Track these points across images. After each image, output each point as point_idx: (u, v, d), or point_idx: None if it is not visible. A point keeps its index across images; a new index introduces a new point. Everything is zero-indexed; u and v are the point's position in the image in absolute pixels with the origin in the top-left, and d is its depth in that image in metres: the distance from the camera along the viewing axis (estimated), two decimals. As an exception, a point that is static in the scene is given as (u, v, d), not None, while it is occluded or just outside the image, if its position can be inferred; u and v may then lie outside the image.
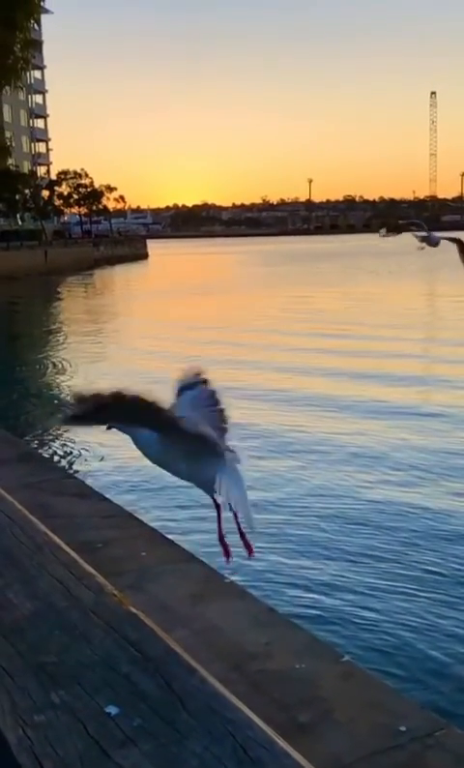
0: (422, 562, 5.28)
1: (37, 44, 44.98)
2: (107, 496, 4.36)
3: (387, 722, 2.24)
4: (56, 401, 12.46)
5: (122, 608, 1.79)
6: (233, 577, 3.49)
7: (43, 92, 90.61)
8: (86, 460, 8.18)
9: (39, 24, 44.75)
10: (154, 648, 1.61)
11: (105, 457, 8.17)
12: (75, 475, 5.30)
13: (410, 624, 4.31)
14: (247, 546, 1.83)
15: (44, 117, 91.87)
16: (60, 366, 15.51)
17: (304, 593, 4.75)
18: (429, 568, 5.18)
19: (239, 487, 1.72)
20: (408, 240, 7.94)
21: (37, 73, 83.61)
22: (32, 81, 78.27)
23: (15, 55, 29.22)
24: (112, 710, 1.39)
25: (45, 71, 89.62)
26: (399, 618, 4.38)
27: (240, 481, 1.73)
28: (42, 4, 30.60)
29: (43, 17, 39.59)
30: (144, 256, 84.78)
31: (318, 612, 4.46)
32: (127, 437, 1.76)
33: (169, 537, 3.77)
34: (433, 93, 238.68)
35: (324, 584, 4.89)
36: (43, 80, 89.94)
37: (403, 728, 2.19)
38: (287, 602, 4.49)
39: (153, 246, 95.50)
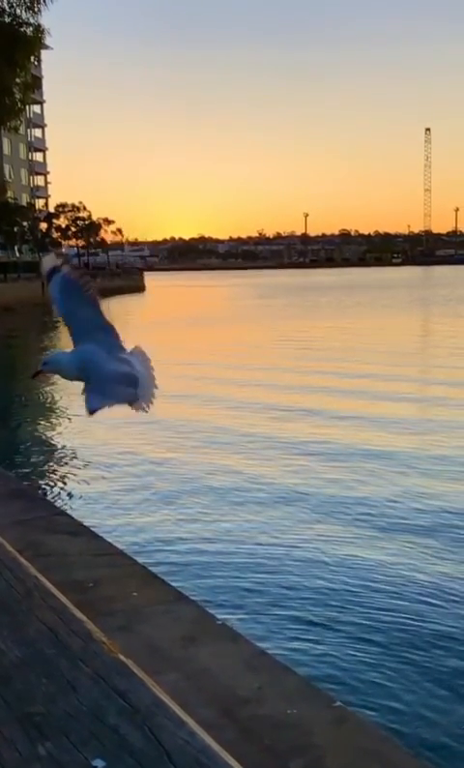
0: (416, 603, 5.24)
1: (37, 81, 45.74)
2: (99, 534, 4.33)
3: (379, 770, 2.21)
4: (50, 435, 12.44)
5: (110, 656, 1.77)
6: (225, 619, 3.46)
7: (42, 126, 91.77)
8: (78, 497, 8.13)
9: (39, 61, 45.53)
10: (142, 699, 1.59)
11: (97, 493, 8.13)
12: (68, 512, 5.28)
13: (404, 670, 4.26)
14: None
15: (43, 151, 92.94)
16: (55, 400, 15.46)
17: (297, 635, 4.70)
18: (423, 609, 5.14)
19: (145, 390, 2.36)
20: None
21: (36, 108, 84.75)
22: (31, 116, 79.32)
23: (14, 97, 29.70)
24: (99, 763, 1.37)
25: (45, 105, 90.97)
26: (393, 663, 4.33)
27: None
28: (42, 41, 31.03)
29: (43, 53, 40.16)
30: (141, 288, 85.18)
31: (311, 655, 4.41)
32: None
33: (161, 576, 3.74)
34: (427, 129, 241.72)
35: (316, 627, 4.84)
36: (42, 115, 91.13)
37: (396, 778, 2.16)
38: (280, 644, 4.44)
39: (150, 278, 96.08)
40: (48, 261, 2.65)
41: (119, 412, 2.38)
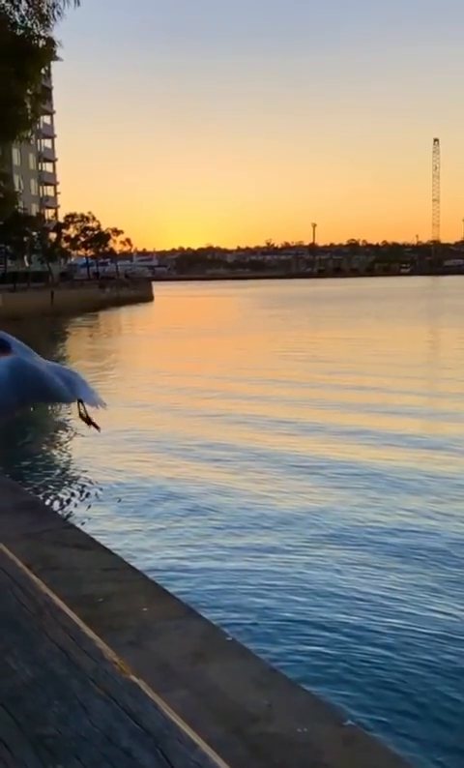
0: (432, 623, 5.20)
1: (47, 92, 45.98)
2: (108, 547, 4.33)
3: (390, 791, 2.20)
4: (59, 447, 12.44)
5: (122, 677, 1.76)
6: (234, 634, 3.45)
7: (51, 137, 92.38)
8: (88, 510, 8.12)
9: (49, 72, 45.82)
10: (154, 721, 1.58)
11: (107, 507, 8.12)
12: (76, 525, 5.28)
13: (416, 689, 4.23)
14: (95, 426, 2.42)
15: (53, 161, 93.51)
16: (67, 413, 15.44)
17: (308, 652, 4.67)
18: (439, 628, 5.10)
19: (90, 394, 2.37)
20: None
21: (46, 119, 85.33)
22: (41, 126, 79.83)
23: (25, 108, 29.92)
24: (111, 786, 1.37)
25: (54, 116, 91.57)
26: (406, 683, 4.30)
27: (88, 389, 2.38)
28: (54, 53, 31.28)
29: (53, 64, 40.46)
30: (149, 298, 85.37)
31: (321, 673, 4.38)
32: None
33: (169, 590, 3.73)
34: (436, 140, 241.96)
35: (327, 644, 4.81)
36: (52, 125, 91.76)
37: (407, 798, 2.15)
38: (289, 661, 4.42)
39: (158, 288, 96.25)
40: None
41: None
